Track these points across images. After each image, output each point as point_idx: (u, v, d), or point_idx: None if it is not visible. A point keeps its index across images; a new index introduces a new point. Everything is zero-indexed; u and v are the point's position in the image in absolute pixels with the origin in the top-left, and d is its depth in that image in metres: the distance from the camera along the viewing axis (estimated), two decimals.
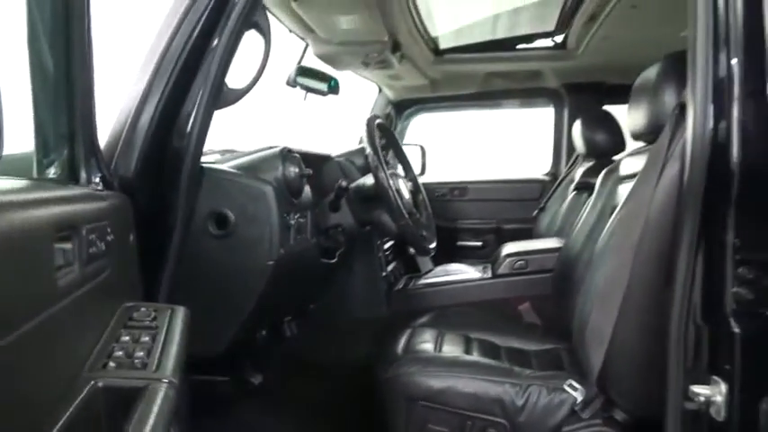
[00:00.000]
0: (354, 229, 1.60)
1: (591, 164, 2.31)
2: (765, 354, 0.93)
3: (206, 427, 1.39)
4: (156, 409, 0.56)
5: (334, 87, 2.25)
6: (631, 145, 1.79)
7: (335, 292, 1.91)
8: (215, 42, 1.16)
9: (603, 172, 1.69)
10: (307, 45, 2.03)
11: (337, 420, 1.61)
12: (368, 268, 1.96)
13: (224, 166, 1.27)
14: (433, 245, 1.72)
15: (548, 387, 1.26)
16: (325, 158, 1.90)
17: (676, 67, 1.22)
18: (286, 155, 1.30)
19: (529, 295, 1.90)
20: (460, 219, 3.05)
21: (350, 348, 1.94)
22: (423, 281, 2.05)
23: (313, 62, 2.23)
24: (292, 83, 2.02)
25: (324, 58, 2.05)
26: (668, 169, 1.14)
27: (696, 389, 0.96)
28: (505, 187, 3.04)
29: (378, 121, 1.70)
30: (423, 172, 3.14)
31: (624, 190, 1.53)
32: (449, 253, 2.99)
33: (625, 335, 1.16)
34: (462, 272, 2.04)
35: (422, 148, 3.13)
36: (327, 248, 1.59)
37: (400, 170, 1.87)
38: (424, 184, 3.09)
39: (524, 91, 2.96)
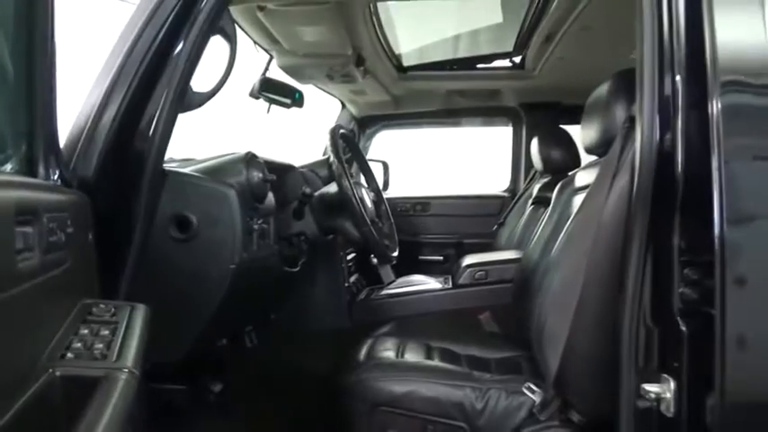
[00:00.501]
0: (317, 236, 1.61)
1: (547, 179, 2.39)
2: (710, 351, 0.98)
3: None
4: (116, 395, 0.55)
5: (298, 100, 2.27)
6: (586, 161, 1.85)
7: (298, 302, 1.91)
8: (180, 46, 1.16)
9: (559, 185, 1.75)
10: (271, 57, 2.04)
11: (299, 427, 1.59)
12: (330, 279, 1.97)
13: (187, 170, 1.27)
14: (395, 253, 1.74)
15: (507, 390, 1.29)
16: (288, 168, 1.90)
17: (625, 84, 1.29)
18: (250, 159, 1.30)
19: (489, 305, 1.93)
20: (422, 233, 3.08)
21: (311, 359, 1.93)
22: (385, 291, 2.06)
23: (278, 75, 2.25)
24: (256, 94, 2.04)
25: (288, 70, 2.07)
26: (619, 179, 1.20)
27: (647, 387, 1.00)
28: (466, 203, 3.10)
29: (342, 131, 1.73)
30: (386, 188, 3.18)
31: (578, 201, 1.58)
32: (411, 267, 3.01)
33: (580, 337, 1.19)
34: (424, 283, 2.07)
35: (384, 164, 3.18)
36: (289, 257, 1.59)
37: (363, 181, 1.89)
38: (387, 198, 3.15)
39: (484, 109, 3.05)
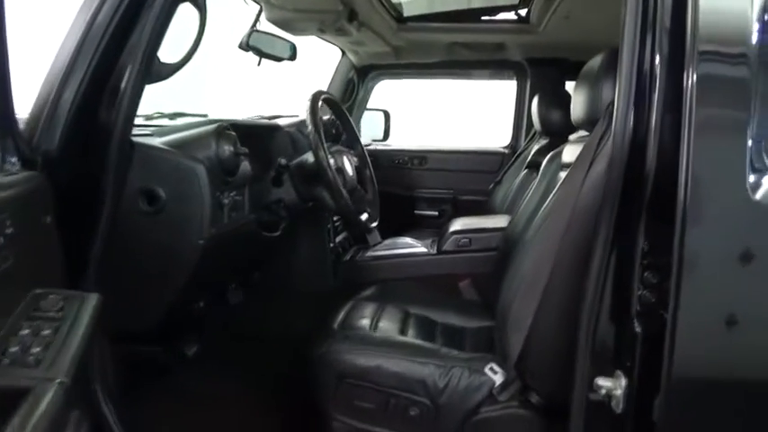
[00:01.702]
0: (297, 204, 1.60)
1: (545, 142, 2.33)
2: (661, 353, 0.98)
3: (139, 397, 1.42)
4: (38, 414, 0.57)
5: (290, 53, 2.20)
6: None
7: (283, 262, 1.93)
8: (145, 15, 1.12)
9: (549, 156, 1.72)
10: (261, 10, 1.97)
11: (272, 390, 1.65)
12: (315, 240, 1.98)
13: (156, 142, 1.25)
14: (375, 223, 1.74)
15: (470, 369, 1.31)
16: (274, 128, 1.88)
17: (616, 63, 1.23)
18: (221, 132, 1.28)
19: (471, 272, 1.94)
20: (419, 188, 3.06)
21: (293, 319, 1.97)
22: (370, 253, 2.07)
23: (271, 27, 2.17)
24: (245, 47, 1.98)
25: (277, 23, 1.99)
26: (596, 165, 1.17)
27: (600, 381, 1.02)
28: (464, 158, 3.05)
29: (324, 96, 1.68)
30: (386, 137, 3.14)
31: (562, 177, 1.55)
32: (406, 221, 3.03)
33: (545, 322, 1.20)
34: (410, 246, 2.07)
35: (385, 113, 3.12)
36: (269, 222, 1.59)
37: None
38: (384, 150, 3.12)
39: (488, 62, 2.94)
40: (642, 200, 0.99)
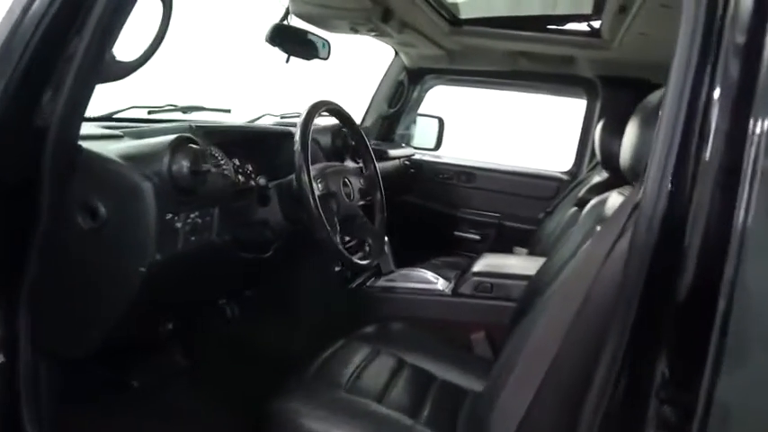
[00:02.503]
0: (283, 226, 1.41)
1: (602, 178, 2.01)
2: None
3: (88, 418, 1.29)
4: None
5: (321, 51, 2.01)
6: None
7: (282, 282, 1.76)
8: (92, 7, 0.96)
9: (595, 200, 1.43)
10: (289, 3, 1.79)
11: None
12: (318, 261, 1.79)
13: (108, 150, 1.10)
14: (376, 262, 1.53)
15: None
16: (282, 136, 1.69)
17: None
18: (177, 146, 1.10)
19: (486, 323, 1.68)
20: (462, 207, 2.80)
21: (288, 341, 1.80)
22: (379, 283, 1.86)
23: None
24: (269, 41, 1.81)
25: (304, 18, 1.81)
26: (623, 240, 0.89)
27: None
28: (517, 180, 2.75)
29: (328, 107, 1.47)
30: (438, 146, 2.90)
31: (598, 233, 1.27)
32: (444, 241, 2.78)
33: (539, 414, 0.95)
34: (425, 281, 1.83)
35: (440, 121, 2.89)
36: (252, 243, 1.42)
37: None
38: (429, 162, 2.87)
39: (555, 77, 2.61)
40: (671, 306, 0.72)
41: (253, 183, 1.58)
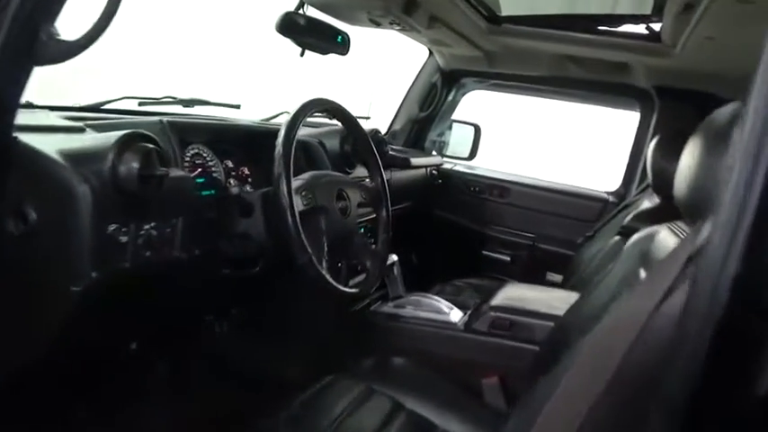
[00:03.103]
0: (266, 241, 1.22)
1: (652, 205, 1.73)
2: None
3: None
4: None
5: (339, 45, 1.81)
6: None
7: (277, 299, 1.57)
8: None
9: (640, 234, 1.18)
10: None
11: None
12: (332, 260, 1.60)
13: (46, 146, 0.93)
14: (372, 290, 1.32)
15: None
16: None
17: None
18: (125, 143, 0.92)
19: (501, 366, 1.44)
20: (493, 224, 2.55)
21: (278, 364, 1.62)
22: (384, 308, 1.64)
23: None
24: (280, 31, 1.62)
25: (320, 7, 1.61)
26: (674, 297, 0.65)
27: None
28: (555, 198, 2.48)
29: (322, 106, 1.27)
30: (472, 156, 2.66)
31: (642, 278, 1.03)
32: (471, 261, 2.54)
33: None
34: (435, 311, 1.61)
35: (476, 128, 2.65)
36: (233, 258, 1.23)
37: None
38: (458, 173, 2.64)
39: (605, 85, 2.33)
40: (742, 407, 0.48)
41: (248, 189, 1.41)
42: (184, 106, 1.66)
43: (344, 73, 2.90)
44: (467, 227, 2.56)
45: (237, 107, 1.85)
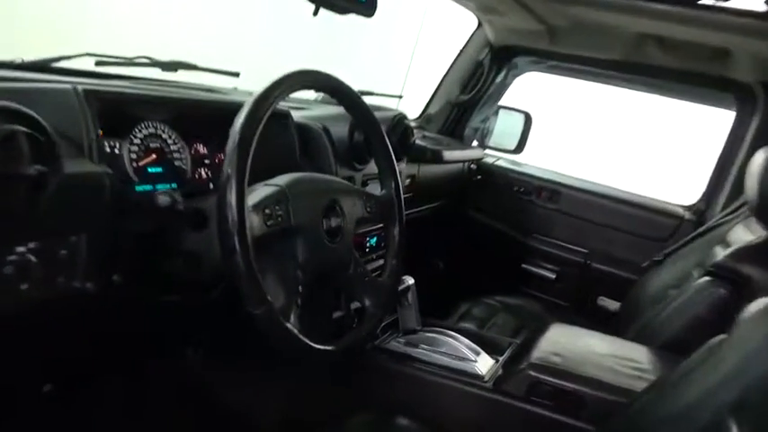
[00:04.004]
0: (218, 263, 0.87)
1: (758, 239, 1.32)
2: None
3: None
4: None
5: (364, 4, 1.43)
6: None
7: (247, 326, 1.24)
8: None
9: (753, 309, 0.78)
10: None
11: None
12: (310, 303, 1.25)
13: None
14: (370, 337, 0.96)
15: None
16: (280, 116, 1.16)
17: None
18: None
19: None
20: (538, 233, 2.15)
21: (254, 402, 1.30)
22: (392, 344, 1.29)
23: None
24: None
25: None
26: None
27: None
28: (618, 209, 2.06)
29: (309, 79, 0.90)
30: (519, 149, 2.26)
31: None
32: (508, 275, 2.16)
33: None
34: (456, 354, 1.24)
35: (527, 117, 2.24)
36: (175, 283, 0.90)
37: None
38: (501, 168, 2.24)
39: (695, 76, 1.87)
40: None
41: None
42: (164, 70, 1.32)
43: (377, 39, 2.51)
44: (506, 234, 2.17)
45: (236, 75, 1.50)
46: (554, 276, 2.10)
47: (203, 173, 1.14)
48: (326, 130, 1.22)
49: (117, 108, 0.97)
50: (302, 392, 1.26)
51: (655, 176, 2.35)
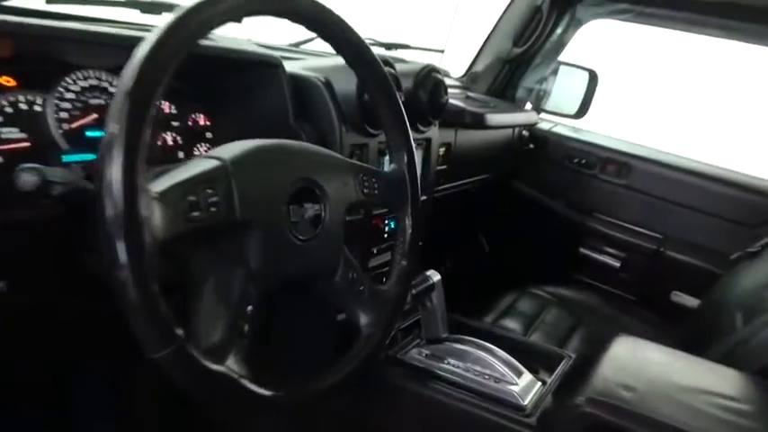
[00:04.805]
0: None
1: None
2: None
3: None
4: None
5: None
6: None
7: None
8: None
9: None
10: None
11: None
12: (303, 308, 1.00)
13: None
14: (355, 372, 0.70)
15: None
16: (258, 65, 0.89)
17: None
18: None
19: None
20: (601, 212, 1.82)
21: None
22: (412, 354, 1.03)
23: None
24: None
25: None
26: None
27: None
28: (701, 185, 1.69)
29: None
30: (581, 114, 1.93)
31: None
32: (563, 261, 1.85)
33: None
34: (492, 374, 0.97)
35: (591, 75, 1.91)
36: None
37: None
38: (559, 137, 1.91)
39: None
40: None
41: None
42: (143, 12, 1.06)
43: None
44: (561, 213, 1.85)
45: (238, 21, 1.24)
46: (618, 264, 1.78)
47: (169, 139, 0.90)
48: (328, 84, 0.94)
49: (38, 50, 0.74)
50: (295, 417, 1.03)
51: (750, 149, 1.95)
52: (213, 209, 0.51)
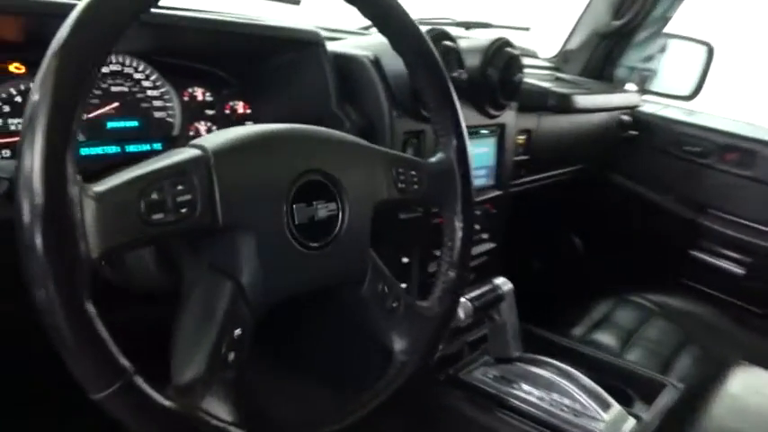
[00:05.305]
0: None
1: None
2: None
3: None
4: None
5: None
6: None
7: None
8: None
9: None
10: None
11: None
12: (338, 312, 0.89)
13: None
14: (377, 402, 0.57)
15: None
16: (306, 43, 0.79)
17: None
18: None
19: None
20: (716, 209, 1.55)
21: None
22: (476, 374, 0.89)
23: None
24: None
25: None
26: None
27: None
28: None
29: None
30: (695, 94, 1.68)
31: None
32: (671, 264, 1.61)
33: None
34: (572, 405, 0.81)
35: (708, 49, 1.65)
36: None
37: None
38: (668, 122, 1.65)
39: None
40: None
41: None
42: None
43: None
44: (668, 209, 1.61)
45: (296, 2, 1.15)
46: (742, 271, 1.50)
47: (202, 129, 0.82)
48: (377, 63, 0.82)
49: (51, 33, 0.68)
50: None
51: None
52: (184, 209, 0.41)
